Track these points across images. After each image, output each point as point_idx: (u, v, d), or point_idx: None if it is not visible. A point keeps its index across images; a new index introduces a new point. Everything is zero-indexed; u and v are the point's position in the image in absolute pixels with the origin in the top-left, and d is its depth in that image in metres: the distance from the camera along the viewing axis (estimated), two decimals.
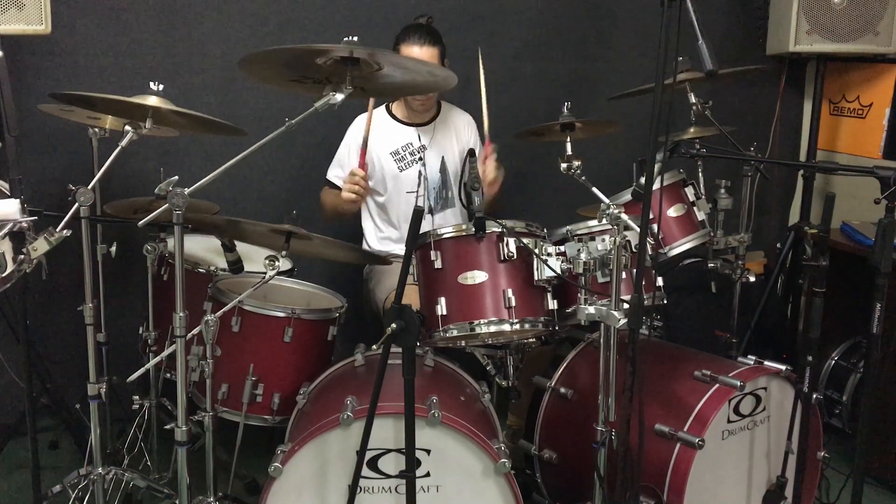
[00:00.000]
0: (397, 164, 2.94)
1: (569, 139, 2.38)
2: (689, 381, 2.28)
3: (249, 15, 3.20)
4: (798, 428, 2.21)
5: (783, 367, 2.31)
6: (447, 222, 2.98)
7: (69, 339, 3.13)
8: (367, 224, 3.08)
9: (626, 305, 1.90)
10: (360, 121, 2.99)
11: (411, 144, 2.96)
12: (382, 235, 3.04)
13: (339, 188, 2.92)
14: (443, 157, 2.98)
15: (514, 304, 2.16)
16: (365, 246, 3.08)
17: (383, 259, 2.76)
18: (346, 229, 3.12)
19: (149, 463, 2.72)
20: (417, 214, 1.81)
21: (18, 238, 1.73)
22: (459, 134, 3.05)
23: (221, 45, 3.19)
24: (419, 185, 2.94)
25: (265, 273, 2.16)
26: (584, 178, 2.28)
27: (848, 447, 3.01)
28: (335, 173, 3.01)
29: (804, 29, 3.26)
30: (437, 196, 2.99)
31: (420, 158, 2.95)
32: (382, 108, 3.01)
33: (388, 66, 1.97)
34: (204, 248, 2.88)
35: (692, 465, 2.11)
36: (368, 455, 1.98)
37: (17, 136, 2.40)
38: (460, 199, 3.03)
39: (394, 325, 1.79)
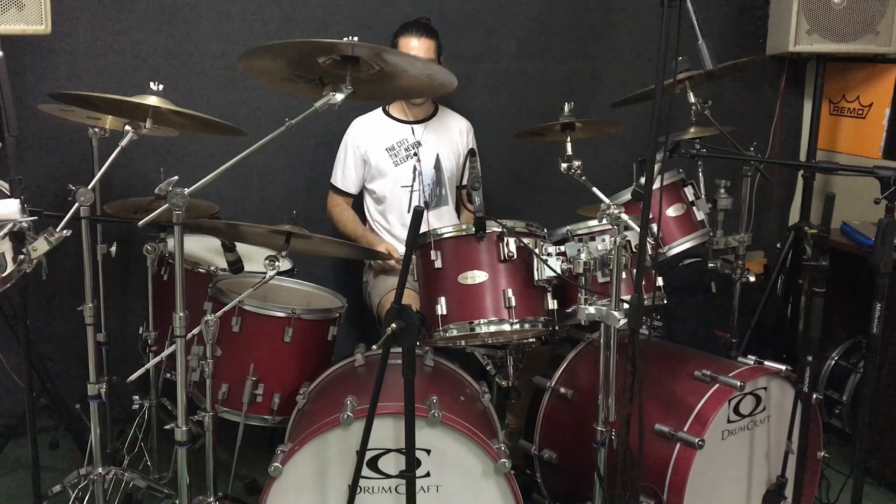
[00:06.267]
0: (392, 158, 2.97)
1: (569, 139, 2.38)
2: (689, 381, 2.28)
3: (249, 15, 3.20)
4: (798, 428, 2.21)
5: (783, 367, 2.31)
6: (441, 219, 2.99)
7: (69, 339, 3.13)
8: (369, 220, 3.10)
9: (626, 305, 1.90)
10: (357, 123, 3.03)
11: (406, 140, 2.99)
12: (382, 230, 3.06)
13: (343, 193, 3.03)
14: (437, 154, 3.00)
15: (514, 304, 2.16)
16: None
17: (381, 254, 2.78)
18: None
19: (149, 463, 2.73)
20: (417, 214, 1.81)
21: (18, 238, 1.72)
22: (454, 136, 3.08)
23: (221, 45, 3.19)
24: (414, 179, 2.95)
25: (265, 273, 2.16)
26: (584, 178, 2.28)
27: (848, 447, 3.00)
28: (338, 177, 3.07)
29: (804, 29, 3.26)
30: (432, 192, 3.01)
31: (415, 154, 2.97)
32: (379, 109, 3.06)
33: (387, 68, 1.97)
34: (204, 248, 2.88)
35: (692, 465, 2.11)
36: (368, 455, 1.98)
37: (17, 136, 2.41)
38: (459, 199, 3.05)
39: (394, 325, 1.79)
